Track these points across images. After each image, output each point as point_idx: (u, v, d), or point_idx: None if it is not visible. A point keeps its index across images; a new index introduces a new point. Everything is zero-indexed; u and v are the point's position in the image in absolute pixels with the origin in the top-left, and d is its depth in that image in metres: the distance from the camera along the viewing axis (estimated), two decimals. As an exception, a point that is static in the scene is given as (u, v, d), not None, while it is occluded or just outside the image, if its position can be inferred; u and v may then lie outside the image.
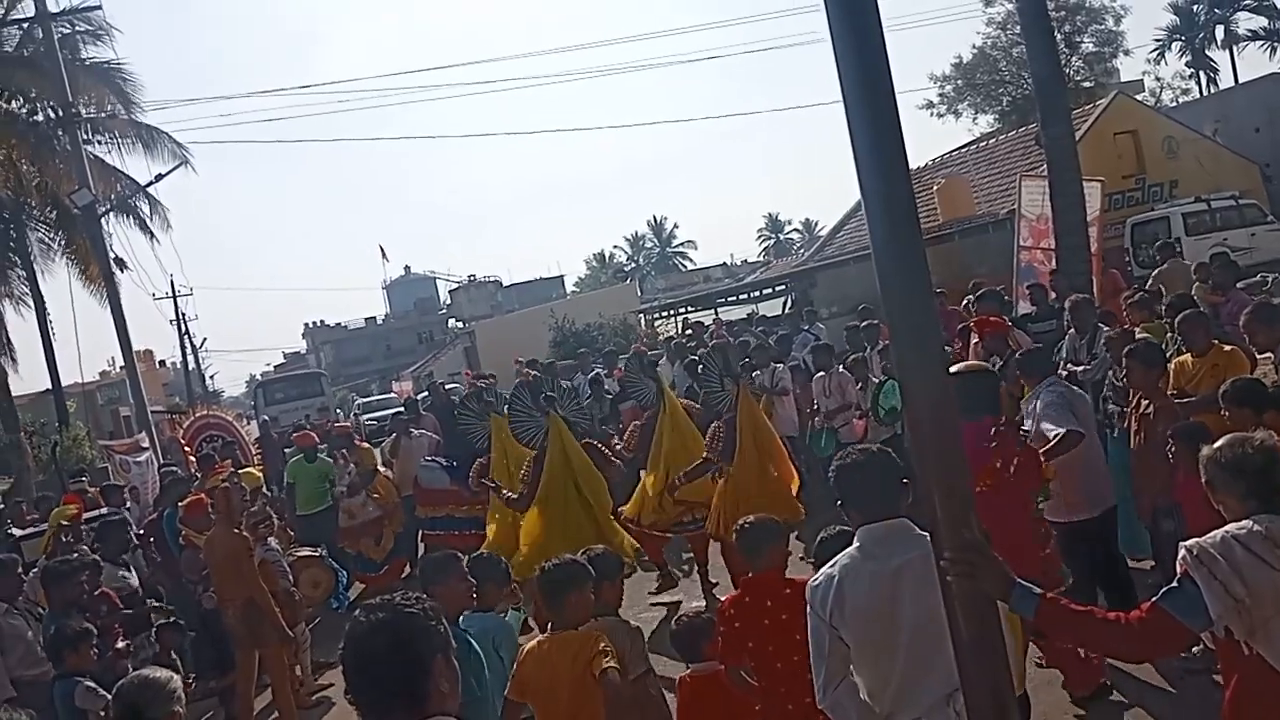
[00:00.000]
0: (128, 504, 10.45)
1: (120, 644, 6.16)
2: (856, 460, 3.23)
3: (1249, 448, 2.81)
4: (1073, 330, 8.19)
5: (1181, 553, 2.69)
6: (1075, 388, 6.06)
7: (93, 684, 4.94)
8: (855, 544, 3.13)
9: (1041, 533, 5.04)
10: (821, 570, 3.19)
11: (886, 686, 3.04)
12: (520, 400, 7.39)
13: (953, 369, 5.05)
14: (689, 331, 16.32)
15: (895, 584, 2.98)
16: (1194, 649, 4.60)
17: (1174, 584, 2.66)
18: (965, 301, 10.38)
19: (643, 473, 8.10)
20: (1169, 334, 7.05)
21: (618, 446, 8.66)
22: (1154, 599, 2.66)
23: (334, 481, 10.70)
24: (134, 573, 8.03)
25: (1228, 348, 5.87)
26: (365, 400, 36.30)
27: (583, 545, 4.82)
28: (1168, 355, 6.18)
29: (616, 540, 6.31)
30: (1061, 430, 5.23)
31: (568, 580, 3.90)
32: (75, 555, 6.72)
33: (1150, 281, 11.20)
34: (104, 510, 9.95)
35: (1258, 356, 5.91)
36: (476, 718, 3.73)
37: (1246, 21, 43.31)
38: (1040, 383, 5.68)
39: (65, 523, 8.26)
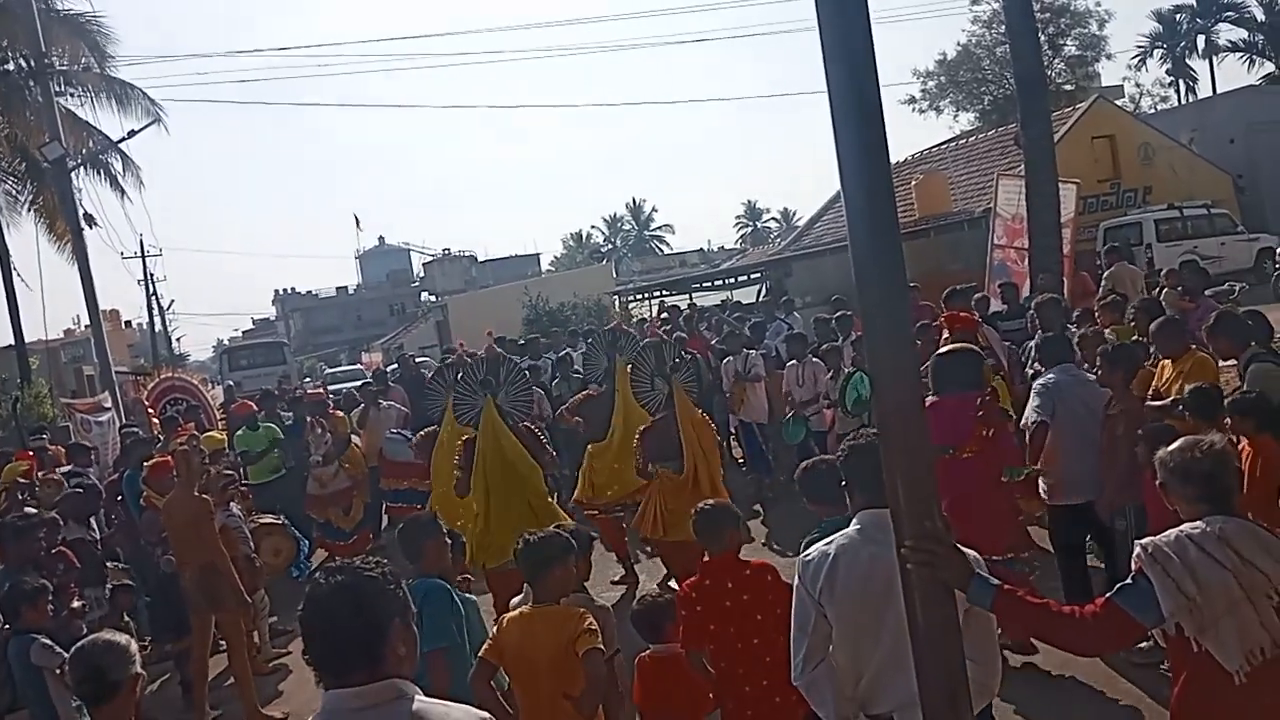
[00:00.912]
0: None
1: (76, 603, 6.10)
2: (869, 443, 3.17)
3: (1197, 452, 2.86)
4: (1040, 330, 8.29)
5: (1136, 550, 2.74)
6: (1086, 375, 6.10)
7: (49, 641, 4.90)
8: (854, 525, 3.11)
9: (1017, 502, 5.67)
10: (815, 546, 3.16)
11: (863, 673, 3.04)
12: (469, 380, 7.20)
13: (939, 351, 5.89)
14: (664, 316, 16.31)
15: (894, 571, 2.95)
16: (1142, 644, 4.74)
17: (1128, 580, 2.72)
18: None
19: (590, 448, 8.09)
20: (1135, 337, 7.17)
21: (577, 422, 8.65)
22: (1108, 594, 2.70)
23: (281, 446, 10.71)
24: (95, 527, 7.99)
25: (1200, 354, 5.95)
26: (332, 370, 36.02)
27: (518, 531, 4.83)
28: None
29: (555, 522, 6.27)
30: (1033, 419, 5.68)
31: (552, 554, 3.90)
32: (34, 512, 6.63)
33: (1102, 284, 11.38)
34: (66, 468, 9.86)
35: (1220, 364, 6.00)
36: (455, 662, 3.87)
37: (1228, 33, 43.79)
38: (1053, 368, 5.96)
39: (21, 480, 8.15)
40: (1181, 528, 2.76)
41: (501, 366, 7.39)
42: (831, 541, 3.12)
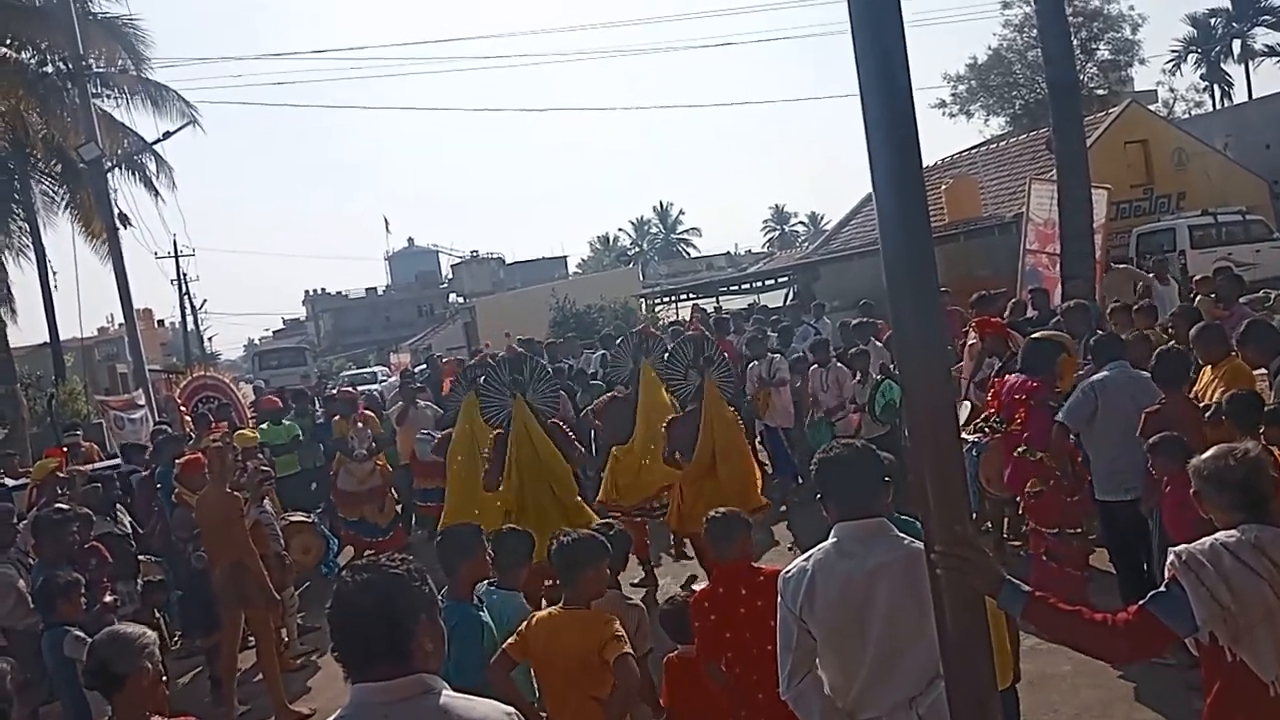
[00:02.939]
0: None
1: (108, 598, 6.17)
2: (839, 455, 3.19)
3: (1231, 460, 2.83)
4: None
5: (1170, 558, 2.72)
6: (1141, 373, 5.99)
7: (81, 633, 4.95)
8: (831, 539, 3.11)
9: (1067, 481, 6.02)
10: (794, 562, 3.17)
11: (851, 684, 3.04)
12: (495, 378, 7.29)
13: (1034, 335, 6.63)
14: (694, 317, 16.29)
15: (870, 585, 2.97)
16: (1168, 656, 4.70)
17: (1162, 588, 2.69)
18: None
19: (614, 450, 8.11)
20: (1171, 343, 7.09)
21: (596, 424, 8.70)
22: (1141, 602, 2.68)
23: (300, 444, 10.93)
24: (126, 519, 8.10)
25: (1236, 360, 5.89)
26: (349, 373, 36.12)
27: (549, 529, 4.84)
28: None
29: (584, 521, 6.32)
30: (1059, 416, 5.90)
31: (585, 557, 3.89)
32: (68, 507, 6.71)
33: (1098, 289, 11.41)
34: (104, 464, 10.01)
35: (1253, 373, 5.93)
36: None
37: (1264, 37, 43.27)
38: (1105, 364, 6.03)
39: (62, 474, 8.25)
40: (1216, 536, 2.73)
41: (526, 365, 7.44)
42: (809, 557, 3.12)
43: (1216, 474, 2.83)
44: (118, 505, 8.53)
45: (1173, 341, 7.13)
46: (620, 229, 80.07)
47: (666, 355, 7.88)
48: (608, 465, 8.18)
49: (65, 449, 10.45)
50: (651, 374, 8.11)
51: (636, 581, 8.10)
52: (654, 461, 7.60)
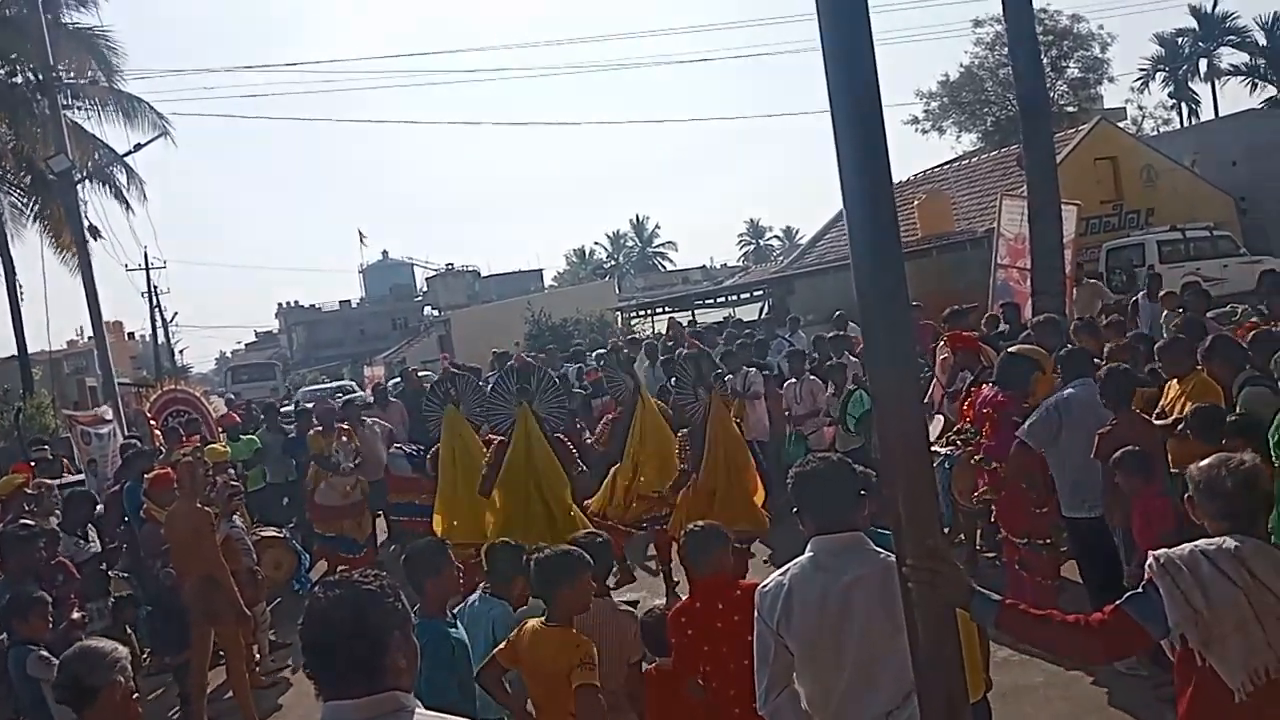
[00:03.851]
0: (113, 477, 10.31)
1: (75, 614, 6.08)
2: (815, 469, 3.20)
3: (1224, 470, 2.86)
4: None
5: (1149, 560, 2.76)
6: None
7: (45, 653, 4.88)
8: (808, 553, 3.11)
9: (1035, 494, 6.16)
10: (771, 577, 3.17)
11: (829, 699, 3.04)
12: (504, 385, 7.44)
13: (1010, 349, 6.80)
14: (670, 332, 16.32)
15: (846, 599, 2.97)
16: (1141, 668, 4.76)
17: (1138, 589, 2.73)
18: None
19: (614, 468, 8.10)
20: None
21: (588, 440, 8.67)
22: (1117, 602, 2.72)
23: (264, 453, 11.14)
24: (95, 540, 7.99)
25: (1203, 375, 5.96)
26: (307, 388, 35.06)
27: (535, 539, 4.84)
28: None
29: (574, 530, 6.32)
30: (1020, 433, 5.91)
31: (561, 574, 3.84)
32: (34, 523, 6.61)
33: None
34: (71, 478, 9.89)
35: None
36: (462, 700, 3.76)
37: (1229, 56, 43.99)
38: (1072, 381, 6.04)
39: (30, 491, 8.13)
40: (1198, 543, 2.77)
41: (534, 375, 7.52)
42: (786, 571, 3.13)
43: (1209, 483, 2.86)
44: (88, 523, 8.43)
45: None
46: (596, 243, 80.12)
47: (674, 379, 7.89)
48: (607, 478, 8.15)
49: (32, 464, 10.30)
50: (649, 398, 8.16)
51: (613, 585, 8.06)
52: (644, 478, 7.62)
